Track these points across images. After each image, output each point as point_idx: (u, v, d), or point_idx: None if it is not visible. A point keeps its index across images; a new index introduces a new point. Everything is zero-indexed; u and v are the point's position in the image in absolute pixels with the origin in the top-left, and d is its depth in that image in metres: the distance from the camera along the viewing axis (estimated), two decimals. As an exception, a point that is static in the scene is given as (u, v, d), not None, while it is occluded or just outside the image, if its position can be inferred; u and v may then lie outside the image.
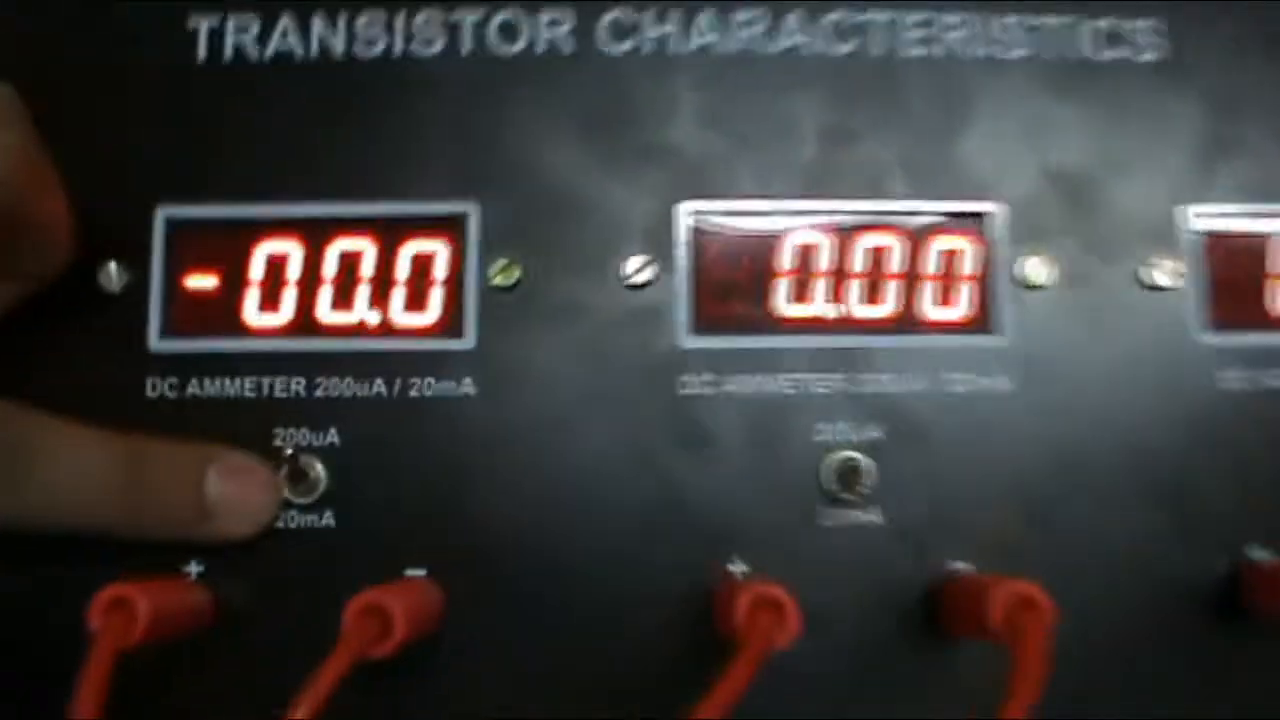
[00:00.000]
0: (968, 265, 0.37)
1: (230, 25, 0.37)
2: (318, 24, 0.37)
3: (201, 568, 0.35)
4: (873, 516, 0.35)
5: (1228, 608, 0.35)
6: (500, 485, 0.35)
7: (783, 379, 0.36)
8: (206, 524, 0.34)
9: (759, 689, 0.28)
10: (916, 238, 0.37)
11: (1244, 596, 0.34)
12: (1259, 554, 0.35)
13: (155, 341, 0.36)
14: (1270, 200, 0.37)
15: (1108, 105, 0.37)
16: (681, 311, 0.36)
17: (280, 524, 0.35)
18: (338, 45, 0.37)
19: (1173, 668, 0.35)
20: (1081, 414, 0.36)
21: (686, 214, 0.37)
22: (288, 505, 0.35)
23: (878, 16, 0.38)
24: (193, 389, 0.36)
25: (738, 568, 0.35)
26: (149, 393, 0.36)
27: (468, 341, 0.36)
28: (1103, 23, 0.38)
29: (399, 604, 0.30)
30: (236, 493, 0.34)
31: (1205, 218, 0.37)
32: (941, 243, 0.37)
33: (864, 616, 0.35)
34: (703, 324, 0.36)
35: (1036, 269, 0.36)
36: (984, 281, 0.37)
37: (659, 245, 0.36)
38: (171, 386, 0.36)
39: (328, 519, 0.35)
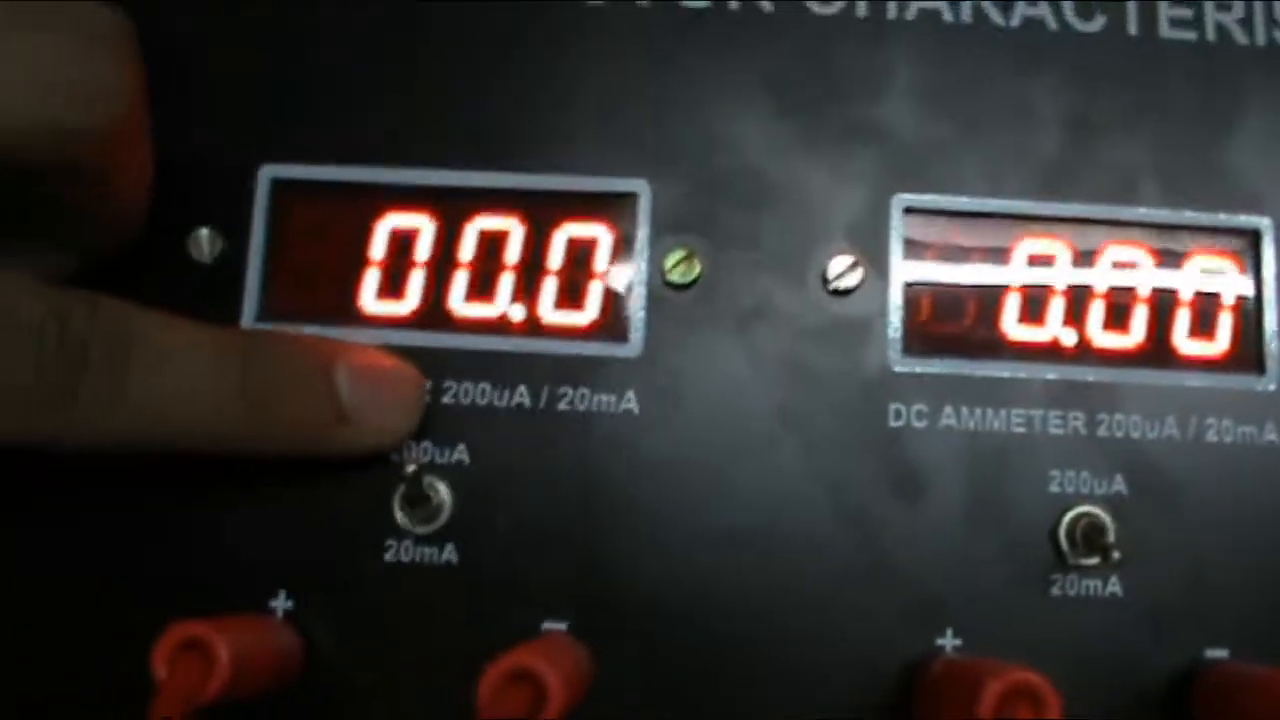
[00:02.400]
0: (1231, 291, 0.30)
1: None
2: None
3: (290, 603, 0.29)
4: (1113, 588, 0.29)
5: None
6: (663, 524, 0.29)
7: (1013, 414, 0.30)
8: (341, 430, 0.28)
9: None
10: (1170, 255, 0.31)
11: None
12: None
13: (250, 322, 0.30)
14: None
15: None
16: (894, 327, 0.30)
17: (391, 556, 0.29)
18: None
19: None
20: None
21: (900, 207, 0.30)
22: (403, 535, 0.29)
23: (1134, -10, 0.32)
24: (293, 385, 0.29)
25: (948, 641, 0.29)
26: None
27: (633, 348, 0.30)
28: None
29: (554, 671, 0.24)
30: (374, 393, 0.28)
31: None
32: (1200, 263, 0.31)
33: (1101, 709, 0.29)
34: (918, 343, 0.30)
35: (1316, 300, 0.30)
36: (1249, 311, 0.30)
37: (868, 243, 0.30)
38: (270, 381, 0.29)
39: (449, 554, 0.29)
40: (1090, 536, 0.29)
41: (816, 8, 0.31)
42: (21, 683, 0.28)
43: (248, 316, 0.30)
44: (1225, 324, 0.31)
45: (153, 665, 0.24)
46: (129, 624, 0.26)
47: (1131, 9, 0.32)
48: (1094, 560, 0.29)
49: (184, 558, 0.29)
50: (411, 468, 0.28)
